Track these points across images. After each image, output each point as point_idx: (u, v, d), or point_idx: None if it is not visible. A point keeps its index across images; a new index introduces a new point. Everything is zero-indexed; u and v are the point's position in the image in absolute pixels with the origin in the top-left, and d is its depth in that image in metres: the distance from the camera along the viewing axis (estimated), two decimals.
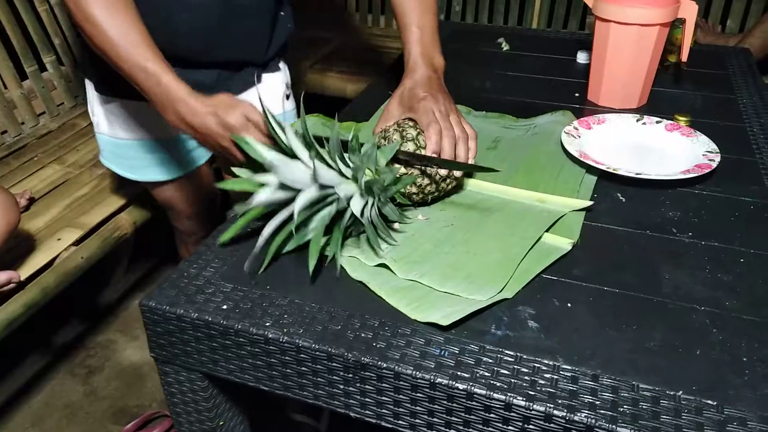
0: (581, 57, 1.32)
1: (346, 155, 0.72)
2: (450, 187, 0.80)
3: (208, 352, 0.67)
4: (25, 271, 1.22)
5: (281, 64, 1.14)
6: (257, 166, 0.70)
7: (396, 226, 0.77)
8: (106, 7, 0.77)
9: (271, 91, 1.11)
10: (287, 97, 1.15)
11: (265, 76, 1.11)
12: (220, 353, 0.67)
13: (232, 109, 0.74)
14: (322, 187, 0.68)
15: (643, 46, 1.04)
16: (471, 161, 0.79)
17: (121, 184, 1.52)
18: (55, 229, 1.35)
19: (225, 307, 0.66)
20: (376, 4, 2.57)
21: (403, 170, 0.76)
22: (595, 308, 0.64)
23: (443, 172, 0.77)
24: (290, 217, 0.67)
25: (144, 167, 1.11)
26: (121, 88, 0.96)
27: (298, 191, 0.67)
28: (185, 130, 0.77)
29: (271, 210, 0.69)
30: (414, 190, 0.77)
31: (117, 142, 1.07)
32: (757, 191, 0.85)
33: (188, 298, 0.68)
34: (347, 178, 0.70)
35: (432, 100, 0.79)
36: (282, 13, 1.07)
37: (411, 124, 0.79)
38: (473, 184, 0.85)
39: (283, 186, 0.67)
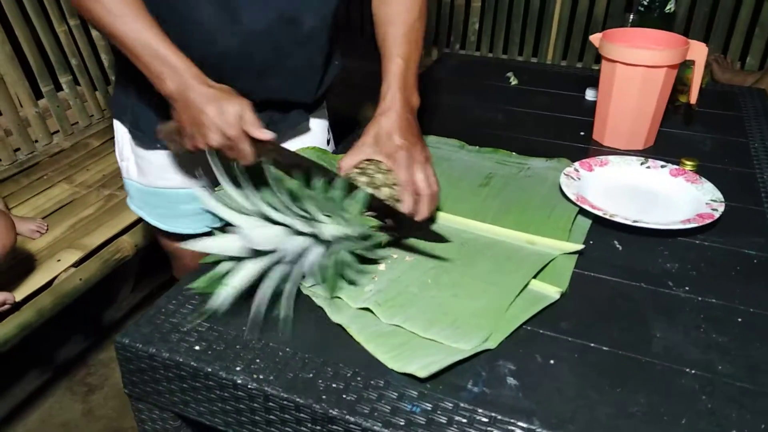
0: (590, 94, 1.30)
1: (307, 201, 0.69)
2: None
3: (179, 393, 0.66)
4: (22, 292, 1.23)
5: (324, 108, 1.11)
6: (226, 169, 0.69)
7: (381, 267, 0.75)
8: None
9: (316, 136, 1.08)
10: (328, 141, 1.12)
11: (312, 122, 1.07)
12: (190, 395, 0.65)
13: (233, 98, 0.76)
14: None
15: (649, 87, 1.02)
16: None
17: (126, 207, 1.52)
18: (57, 250, 1.36)
19: (197, 348, 0.64)
20: None
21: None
22: (580, 366, 0.61)
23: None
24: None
25: (175, 217, 1.05)
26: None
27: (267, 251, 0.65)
28: (175, 101, 0.77)
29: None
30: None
31: (147, 190, 1.03)
32: (762, 244, 0.81)
33: (162, 336, 0.66)
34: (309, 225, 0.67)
35: (410, 150, 0.77)
36: (333, 49, 1.01)
37: (378, 168, 0.78)
38: (461, 223, 0.83)
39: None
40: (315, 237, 0.67)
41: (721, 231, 0.84)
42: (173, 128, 0.83)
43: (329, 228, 0.67)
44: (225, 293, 0.64)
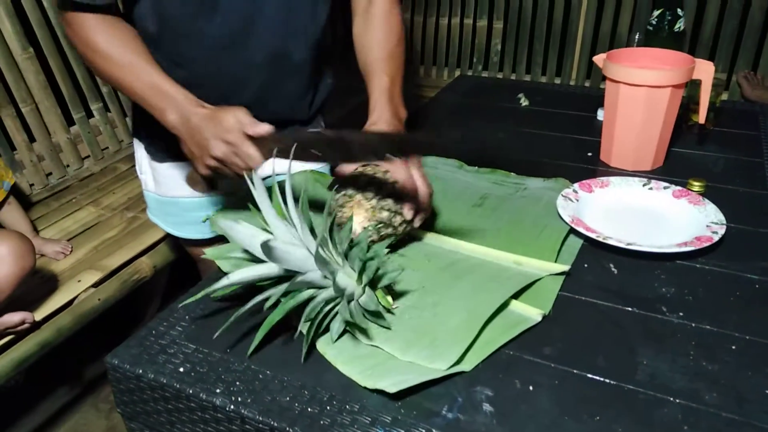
0: (601, 114, 1.29)
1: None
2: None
3: (165, 414, 0.67)
4: (43, 311, 1.27)
5: (320, 120, 1.15)
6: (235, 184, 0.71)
7: None
8: (109, 36, 0.82)
9: None
10: None
11: None
12: (175, 416, 0.66)
13: (228, 109, 0.78)
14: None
15: (654, 108, 1.00)
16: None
17: (147, 228, 1.57)
18: (78, 271, 1.41)
19: (182, 369, 0.66)
20: (416, 54, 2.61)
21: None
22: (559, 393, 0.60)
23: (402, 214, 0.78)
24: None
25: (186, 224, 1.13)
26: (170, 151, 1.01)
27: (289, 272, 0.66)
28: (179, 131, 0.81)
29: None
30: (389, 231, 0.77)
31: (163, 200, 1.10)
32: (766, 268, 0.79)
33: (150, 357, 0.68)
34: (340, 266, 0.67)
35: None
36: (322, 72, 1.07)
37: (375, 169, 0.79)
38: (451, 244, 0.83)
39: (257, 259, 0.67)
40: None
41: (724, 254, 0.82)
42: (192, 172, 0.87)
43: (344, 278, 0.67)
44: (222, 282, 0.65)
